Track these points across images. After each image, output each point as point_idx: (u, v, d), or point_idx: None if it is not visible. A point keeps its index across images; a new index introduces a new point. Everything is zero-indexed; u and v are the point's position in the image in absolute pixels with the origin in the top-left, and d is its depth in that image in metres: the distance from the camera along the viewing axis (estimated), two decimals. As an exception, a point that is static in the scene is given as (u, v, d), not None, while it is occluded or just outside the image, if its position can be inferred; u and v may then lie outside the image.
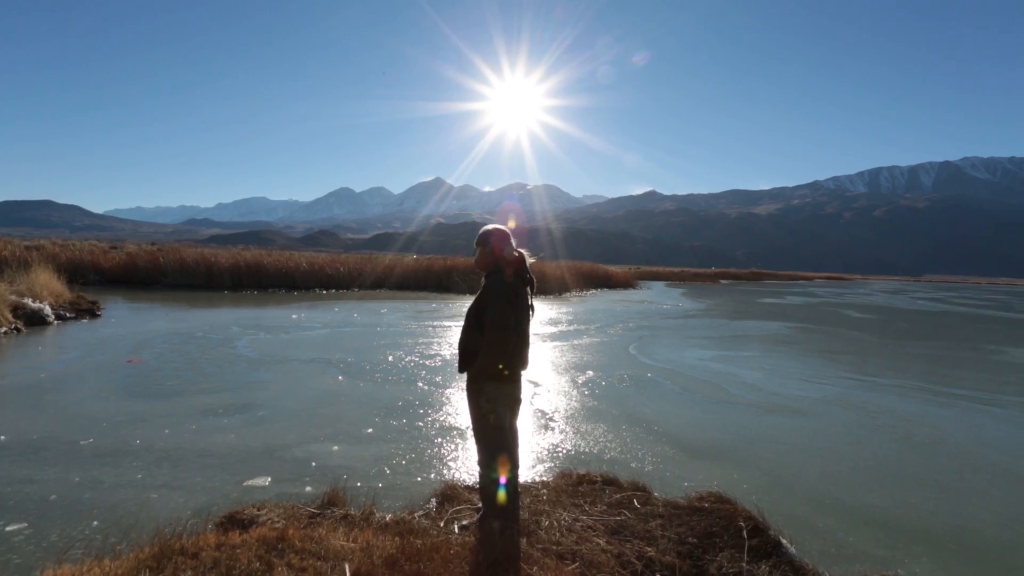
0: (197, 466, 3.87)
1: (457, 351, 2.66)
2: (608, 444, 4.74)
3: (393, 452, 4.33)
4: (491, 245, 2.63)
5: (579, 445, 4.68)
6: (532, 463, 4.20)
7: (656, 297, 26.62)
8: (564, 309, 17.50)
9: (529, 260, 2.70)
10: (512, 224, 2.76)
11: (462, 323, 2.64)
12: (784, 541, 2.82)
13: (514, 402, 2.65)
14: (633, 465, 4.26)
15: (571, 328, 12.63)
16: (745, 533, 2.78)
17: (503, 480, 2.58)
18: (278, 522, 2.77)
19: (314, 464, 4.02)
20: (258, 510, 2.97)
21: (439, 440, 4.65)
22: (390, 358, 8.19)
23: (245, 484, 3.61)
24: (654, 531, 2.74)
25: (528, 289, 2.64)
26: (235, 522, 2.83)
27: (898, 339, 13.98)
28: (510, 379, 2.59)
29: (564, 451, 4.52)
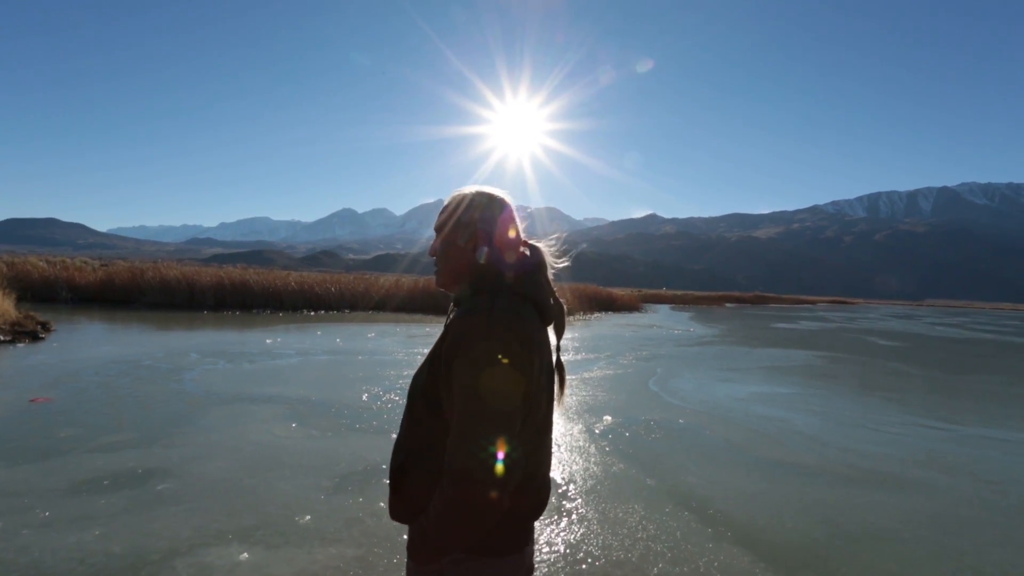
0: (1, 602, 2.40)
1: (389, 469, 1.24)
2: (651, 543, 3.25)
3: (331, 565, 2.85)
4: (475, 228, 1.22)
5: (610, 546, 3.19)
6: (543, 586, 2.72)
7: (664, 321, 25.15)
8: (569, 335, 16.02)
9: (555, 264, 1.29)
10: (523, 225, 1.31)
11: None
12: None
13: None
14: (699, 591, 2.77)
15: (578, 357, 11.15)
16: None
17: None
18: None
19: (197, 594, 2.54)
20: None
21: (405, 539, 3.17)
22: (364, 396, 6.72)
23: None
24: None
25: (554, 328, 1.23)
26: None
27: (948, 372, 12.47)
28: (514, 542, 1.15)
29: (590, 558, 3.03)
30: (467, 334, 1.07)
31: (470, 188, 1.26)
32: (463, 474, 1.01)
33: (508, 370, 1.04)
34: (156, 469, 4.03)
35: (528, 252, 1.23)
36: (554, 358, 1.20)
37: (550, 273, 1.24)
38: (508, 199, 1.25)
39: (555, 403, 1.19)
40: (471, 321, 1.08)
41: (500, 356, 1.04)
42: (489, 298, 1.13)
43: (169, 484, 3.76)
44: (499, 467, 1.00)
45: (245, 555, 2.89)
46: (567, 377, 1.24)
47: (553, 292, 1.22)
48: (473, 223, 1.21)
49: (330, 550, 2.99)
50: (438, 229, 1.25)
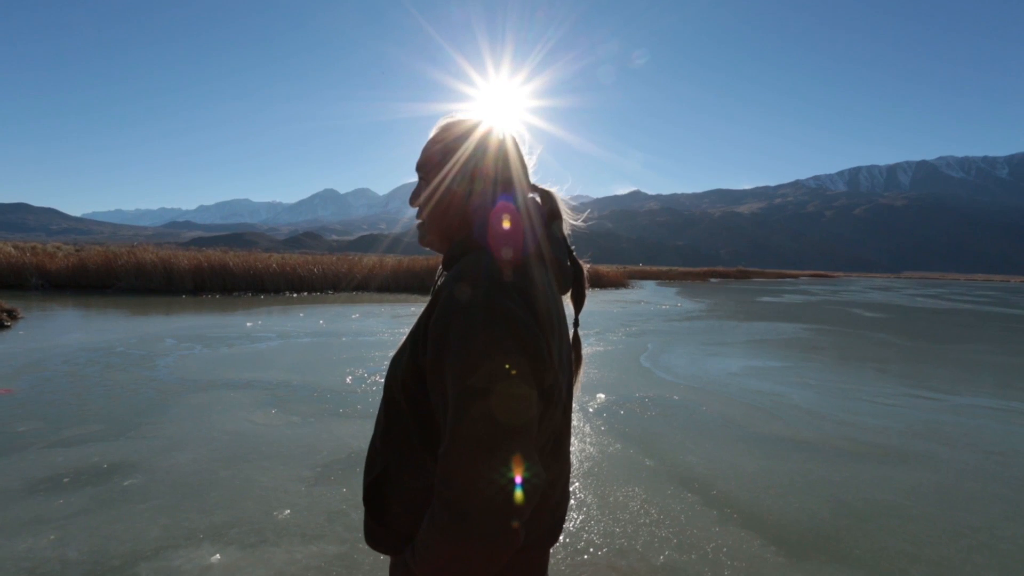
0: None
1: (363, 484, 0.96)
2: (655, 528, 3.08)
3: (312, 564, 2.62)
4: (466, 168, 0.92)
5: (612, 532, 3.01)
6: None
7: (651, 297, 25.12)
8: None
9: (571, 220, 1.00)
10: (532, 160, 1.05)
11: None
12: None
13: None
14: (709, 580, 2.60)
15: (568, 334, 10.97)
16: None
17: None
18: None
19: (162, 604, 2.30)
20: None
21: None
22: (348, 379, 6.46)
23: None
24: None
25: (572, 297, 0.98)
26: None
27: (933, 342, 12.56)
28: (526, 569, 0.90)
29: (592, 547, 2.85)
30: (460, 306, 0.79)
31: (466, 119, 0.96)
32: (463, 504, 0.74)
33: (518, 356, 0.77)
34: (122, 463, 3.75)
35: (539, 198, 0.96)
36: (570, 332, 0.95)
37: (566, 227, 0.98)
38: (517, 139, 0.97)
39: (573, 389, 0.94)
40: (464, 287, 0.81)
41: (505, 336, 0.77)
42: (487, 256, 0.86)
43: (136, 479, 3.49)
44: (517, 494, 0.74)
45: (217, 556, 2.65)
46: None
47: (570, 250, 0.96)
48: (471, 168, 0.92)
49: (311, 548, 2.76)
50: (421, 170, 0.96)
